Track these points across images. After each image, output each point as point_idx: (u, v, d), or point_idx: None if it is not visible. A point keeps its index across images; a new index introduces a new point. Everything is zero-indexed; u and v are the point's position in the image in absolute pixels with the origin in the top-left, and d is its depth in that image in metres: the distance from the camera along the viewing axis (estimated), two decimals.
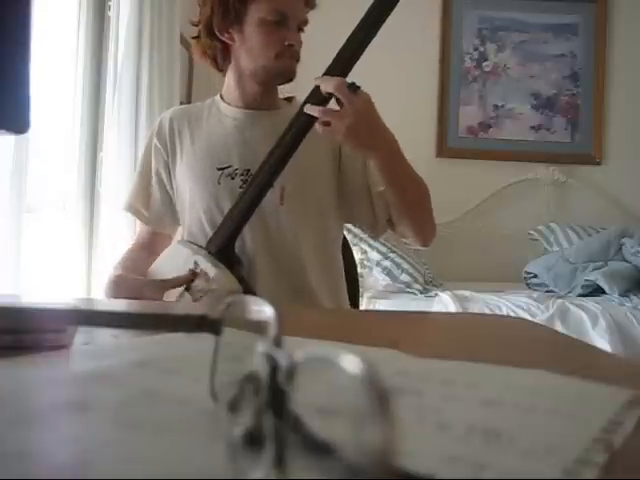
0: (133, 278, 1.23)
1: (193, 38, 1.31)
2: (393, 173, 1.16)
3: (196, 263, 1.16)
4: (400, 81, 3.55)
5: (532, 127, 3.74)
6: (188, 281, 1.15)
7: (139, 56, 2.43)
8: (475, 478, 0.23)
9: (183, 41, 2.91)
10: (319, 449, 0.21)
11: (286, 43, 1.21)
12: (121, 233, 2.28)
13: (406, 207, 1.22)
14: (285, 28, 1.21)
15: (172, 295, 1.15)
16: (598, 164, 3.71)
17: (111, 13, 2.40)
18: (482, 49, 3.76)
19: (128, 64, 2.39)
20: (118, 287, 1.21)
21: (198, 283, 1.14)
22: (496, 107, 3.74)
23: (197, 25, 1.29)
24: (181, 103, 2.69)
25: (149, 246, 1.36)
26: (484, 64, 3.76)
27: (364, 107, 1.07)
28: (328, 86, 1.07)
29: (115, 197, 2.32)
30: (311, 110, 1.08)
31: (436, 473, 0.23)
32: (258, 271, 1.22)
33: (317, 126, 1.09)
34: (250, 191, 1.18)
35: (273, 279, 1.23)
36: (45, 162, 2.16)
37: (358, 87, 1.07)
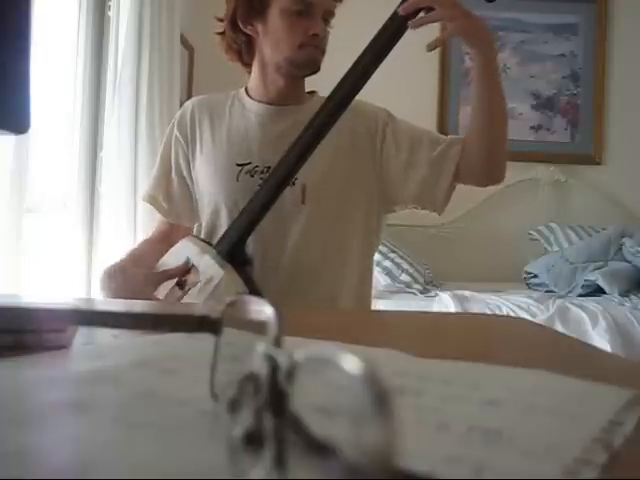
0: (130, 271, 1.15)
1: (218, 34, 1.28)
2: (490, 77, 1.16)
3: (188, 258, 1.12)
4: (400, 81, 3.55)
5: (532, 127, 3.74)
6: (180, 274, 1.11)
7: (139, 56, 2.44)
8: (475, 478, 0.23)
9: (183, 41, 2.91)
10: (319, 449, 0.21)
11: (310, 33, 1.18)
12: (121, 233, 2.29)
13: (492, 125, 1.19)
14: (309, 18, 1.19)
15: (162, 291, 1.11)
16: (598, 164, 3.71)
17: (111, 13, 2.41)
18: None
19: (128, 64, 2.39)
20: (110, 279, 1.13)
21: (190, 277, 1.10)
22: None
23: (222, 21, 1.27)
24: (181, 103, 2.69)
25: (167, 238, 1.31)
26: None
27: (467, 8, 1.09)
28: None
29: (115, 197, 2.32)
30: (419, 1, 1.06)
31: (436, 473, 0.23)
32: (273, 273, 1.18)
33: (410, 22, 1.11)
34: (266, 187, 1.12)
35: (288, 281, 1.18)
36: (45, 162, 2.16)
37: None
